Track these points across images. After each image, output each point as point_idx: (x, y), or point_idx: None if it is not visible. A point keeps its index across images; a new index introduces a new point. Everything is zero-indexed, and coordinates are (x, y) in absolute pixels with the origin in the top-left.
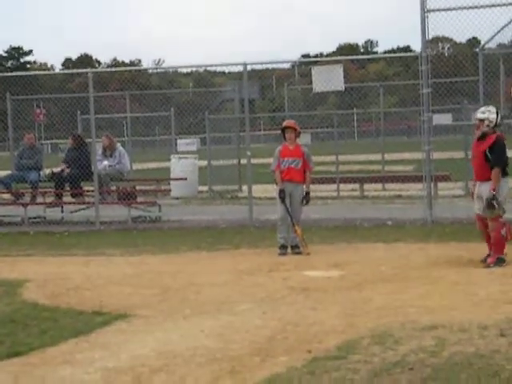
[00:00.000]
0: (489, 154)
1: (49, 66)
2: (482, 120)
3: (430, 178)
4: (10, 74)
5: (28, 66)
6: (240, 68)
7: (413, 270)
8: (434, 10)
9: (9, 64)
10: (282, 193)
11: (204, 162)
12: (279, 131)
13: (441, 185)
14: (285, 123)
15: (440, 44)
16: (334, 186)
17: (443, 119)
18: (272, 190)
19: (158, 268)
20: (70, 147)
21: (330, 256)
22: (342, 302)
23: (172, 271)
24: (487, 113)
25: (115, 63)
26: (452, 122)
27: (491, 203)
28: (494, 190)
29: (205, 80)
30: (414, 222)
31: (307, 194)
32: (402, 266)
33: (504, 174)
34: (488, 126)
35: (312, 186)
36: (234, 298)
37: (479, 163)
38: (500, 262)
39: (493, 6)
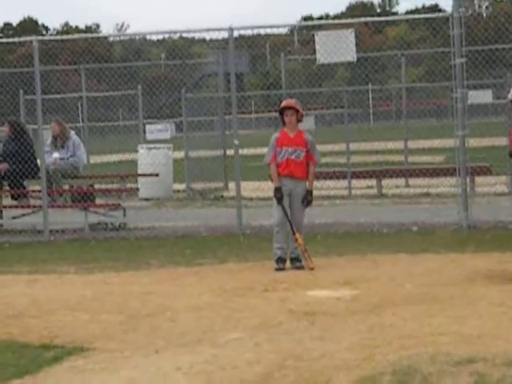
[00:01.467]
0: None
1: None
2: None
3: (465, 171)
4: None
5: None
6: (225, 34)
7: (445, 287)
8: None
9: None
10: (278, 192)
11: (180, 154)
12: (275, 114)
13: (479, 180)
14: (283, 103)
15: (476, 2)
16: (344, 183)
17: (481, 97)
18: (266, 188)
19: (124, 289)
20: (7, 137)
21: (339, 271)
22: (355, 329)
23: (141, 292)
24: None
25: (67, 29)
26: (492, 101)
27: None
28: None
29: (181, 50)
30: (445, 227)
31: (309, 193)
32: (432, 283)
33: None
34: None
35: (316, 183)
36: (220, 326)
37: None
38: None
39: None
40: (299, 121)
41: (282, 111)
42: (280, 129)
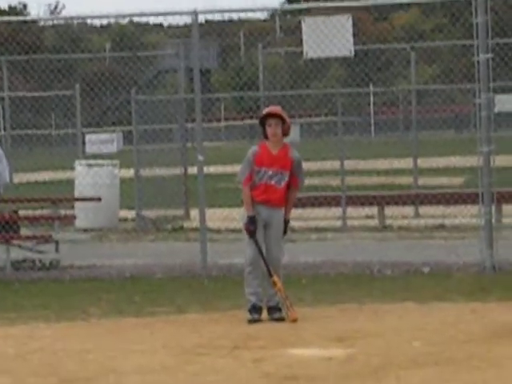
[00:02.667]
0: None
1: None
2: None
3: (490, 197)
4: None
5: None
6: (188, 19)
7: (463, 345)
8: None
9: None
10: (251, 223)
11: (129, 172)
12: (251, 121)
13: (508, 209)
14: (267, 110)
15: None
16: (337, 211)
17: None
18: (239, 217)
19: (55, 345)
20: None
21: (330, 324)
22: None
23: (78, 350)
24: None
25: None
26: None
27: None
28: None
29: (131, 39)
30: (464, 269)
31: (286, 223)
32: (447, 341)
33: None
34: None
35: (302, 212)
36: None
37: None
38: None
39: None
40: (285, 134)
41: (263, 120)
42: (260, 142)
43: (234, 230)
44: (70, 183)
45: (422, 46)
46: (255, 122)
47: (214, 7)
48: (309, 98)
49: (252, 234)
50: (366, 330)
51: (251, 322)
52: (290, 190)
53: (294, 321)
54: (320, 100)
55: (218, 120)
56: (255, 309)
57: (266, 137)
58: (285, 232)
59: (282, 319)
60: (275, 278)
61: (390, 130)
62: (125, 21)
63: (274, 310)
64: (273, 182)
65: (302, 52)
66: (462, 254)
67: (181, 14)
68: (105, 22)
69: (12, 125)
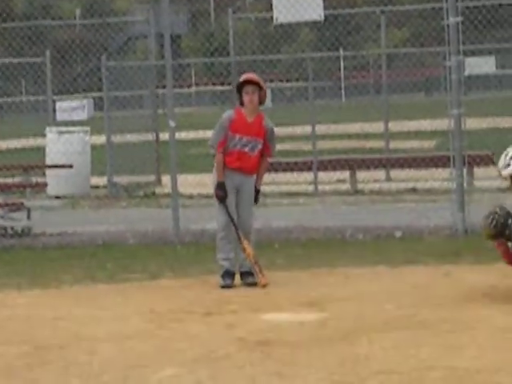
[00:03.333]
0: None
1: None
2: None
3: (461, 160)
4: None
5: None
6: None
7: (435, 309)
8: None
9: None
10: (221, 189)
11: (100, 139)
12: (222, 87)
13: (479, 171)
14: (244, 77)
15: None
16: (309, 176)
17: (482, 65)
18: (211, 182)
19: (28, 312)
20: None
21: (302, 289)
22: (322, 362)
23: (50, 317)
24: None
25: None
26: (496, 70)
27: None
28: None
29: (100, 5)
30: (436, 233)
31: (257, 192)
32: (419, 304)
33: None
34: None
35: (273, 176)
36: (151, 360)
37: None
38: None
39: None
40: (261, 102)
41: (240, 87)
42: (235, 108)
43: (206, 196)
44: (41, 150)
45: (391, 9)
46: (226, 87)
47: None
48: (279, 63)
49: (222, 199)
50: (337, 294)
51: (224, 287)
52: (262, 157)
53: (264, 286)
54: (290, 65)
55: (189, 86)
56: (228, 274)
57: (241, 103)
58: (256, 201)
59: (254, 284)
60: (245, 244)
61: (361, 94)
62: None
63: (246, 274)
64: (246, 150)
65: (272, 17)
66: (434, 218)
67: None
68: None
69: None
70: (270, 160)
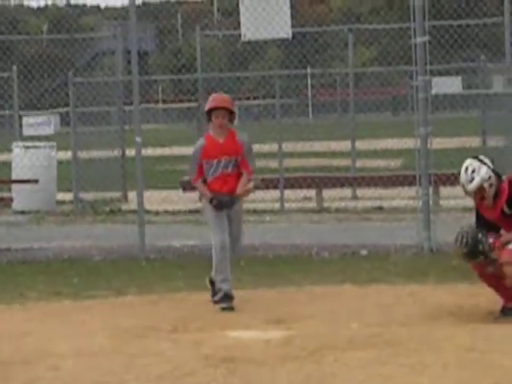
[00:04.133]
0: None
1: None
2: (480, 189)
3: (427, 179)
4: None
5: None
6: (125, 0)
7: (400, 327)
8: None
9: None
10: (215, 201)
11: (66, 154)
12: (189, 104)
13: (445, 191)
14: (214, 101)
15: None
16: (275, 193)
17: (449, 85)
18: (177, 198)
19: None
20: None
21: (269, 307)
22: (287, 380)
23: (15, 333)
24: (476, 175)
25: None
26: (462, 90)
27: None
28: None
29: (68, 21)
30: (402, 251)
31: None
32: (384, 322)
33: None
34: (491, 185)
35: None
36: (116, 376)
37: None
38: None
39: None
40: (231, 121)
41: (210, 111)
42: (205, 133)
43: (171, 212)
44: (7, 165)
45: (359, 28)
46: (193, 104)
47: None
48: (247, 81)
49: (222, 208)
50: (304, 312)
51: (225, 309)
52: (242, 174)
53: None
54: (258, 82)
55: (156, 102)
56: (227, 297)
57: (210, 123)
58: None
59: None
60: None
61: (328, 112)
62: (62, 2)
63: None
64: (229, 171)
65: (239, 34)
66: (400, 236)
67: None
68: (42, 3)
69: None
70: (249, 177)
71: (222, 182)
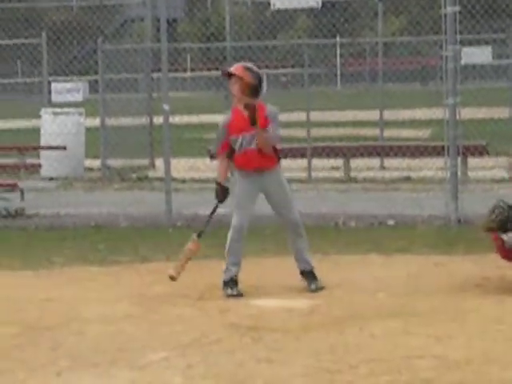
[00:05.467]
0: None
1: None
2: None
3: (455, 150)
4: None
5: None
6: None
7: (426, 298)
8: None
9: None
10: (222, 193)
11: (95, 121)
12: (217, 72)
13: (473, 161)
14: (233, 68)
15: None
16: (302, 162)
17: (479, 55)
18: (204, 166)
19: (18, 292)
20: None
21: (294, 276)
22: (312, 349)
23: (40, 298)
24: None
25: None
26: (492, 60)
27: None
28: None
29: None
30: (429, 222)
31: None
32: (410, 293)
33: None
34: None
35: None
36: (141, 343)
37: None
38: None
39: None
40: (254, 94)
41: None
42: (232, 106)
43: (198, 180)
44: (36, 132)
45: None
46: None
47: None
48: (275, 50)
49: (220, 201)
50: (328, 281)
51: (230, 296)
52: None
53: (171, 279)
54: (287, 51)
55: (184, 70)
56: (233, 282)
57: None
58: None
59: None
60: (191, 243)
61: (356, 82)
62: None
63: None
64: (253, 146)
65: (269, 3)
66: (427, 207)
67: None
68: None
69: None
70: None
71: (248, 159)
